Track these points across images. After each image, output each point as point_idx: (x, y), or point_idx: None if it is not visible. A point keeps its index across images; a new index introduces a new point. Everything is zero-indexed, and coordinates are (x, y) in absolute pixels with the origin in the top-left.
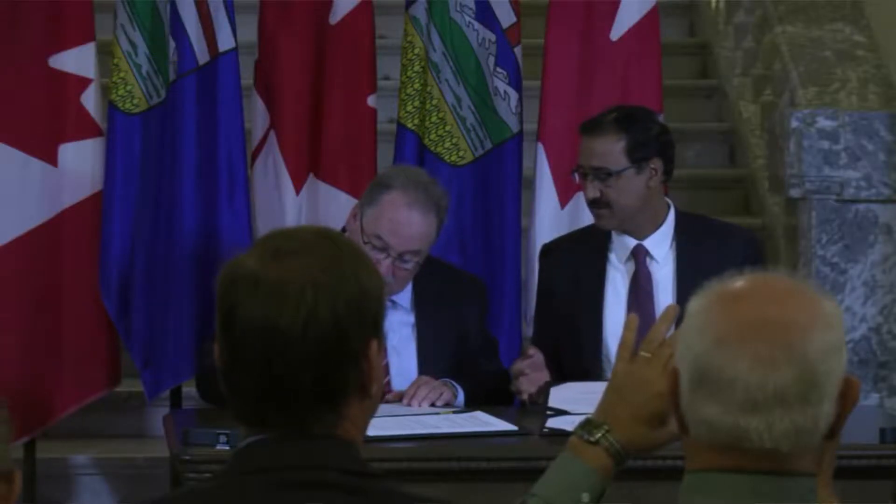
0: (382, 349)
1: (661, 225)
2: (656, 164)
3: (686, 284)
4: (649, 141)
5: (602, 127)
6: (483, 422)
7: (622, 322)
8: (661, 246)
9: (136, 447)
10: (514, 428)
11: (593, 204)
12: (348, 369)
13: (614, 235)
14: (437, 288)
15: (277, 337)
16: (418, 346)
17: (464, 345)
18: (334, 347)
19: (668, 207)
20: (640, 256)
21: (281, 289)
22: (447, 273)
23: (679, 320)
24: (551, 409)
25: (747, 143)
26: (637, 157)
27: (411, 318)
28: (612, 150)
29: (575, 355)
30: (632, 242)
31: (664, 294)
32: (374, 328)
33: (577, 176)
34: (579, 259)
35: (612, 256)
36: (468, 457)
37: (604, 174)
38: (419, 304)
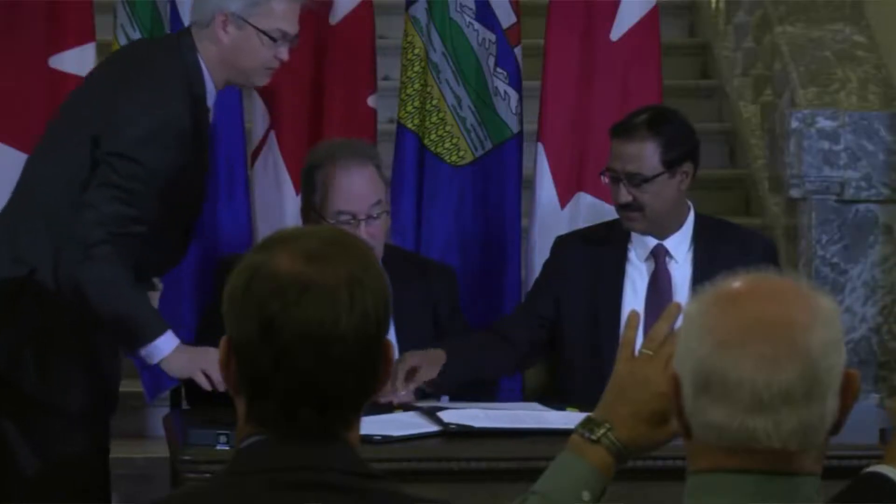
0: None
1: (681, 226)
2: (688, 167)
3: (704, 286)
4: (682, 145)
5: (636, 131)
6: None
7: (643, 320)
8: (680, 247)
9: (136, 447)
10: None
11: (624, 208)
12: (378, 369)
13: (634, 234)
14: (405, 269)
15: (330, 342)
16: (396, 323)
17: (437, 320)
18: (374, 348)
19: (689, 209)
20: (660, 256)
21: (331, 293)
22: (413, 258)
23: None
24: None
25: (747, 144)
26: (670, 161)
27: None
28: (646, 154)
29: (594, 353)
30: (652, 242)
31: (682, 295)
32: (388, 326)
33: (605, 178)
34: (597, 255)
35: (632, 254)
36: (468, 457)
37: (638, 179)
38: (392, 281)
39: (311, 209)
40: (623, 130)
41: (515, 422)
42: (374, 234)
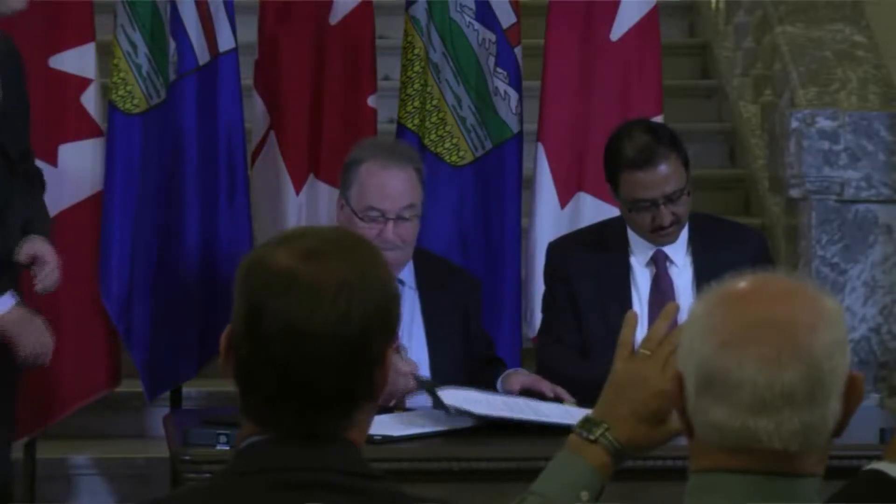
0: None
1: None
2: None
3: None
4: (682, 145)
5: (658, 153)
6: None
7: (647, 326)
8: (679, 251)
9: (136, 447)
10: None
11: (665, 227)
12: (367, 375)
13: (633, 240)
14: (436, 271)
15: (306, 337)
16: (426, 326)
17: (466, 326)
18: (359, 352)
19: None
20: (660, 262)
21: (316, 290)
22: (443, 262)
23: None
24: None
25: (747, 143)
26: (686, 164)
27: (416, 297)
28: (676, 168)
29: (607, 357)
30: (651, 248)
31: (684, 299)
32: (392, 334)
33: (631, 210)
34: (601, 259)
35: (633, 260)
36: (468, 457)
37: (678, 194)
38: (422, 284)
39: (346, 204)
40: (646, 159)
41: (513, 410)
42: (402, 235)
